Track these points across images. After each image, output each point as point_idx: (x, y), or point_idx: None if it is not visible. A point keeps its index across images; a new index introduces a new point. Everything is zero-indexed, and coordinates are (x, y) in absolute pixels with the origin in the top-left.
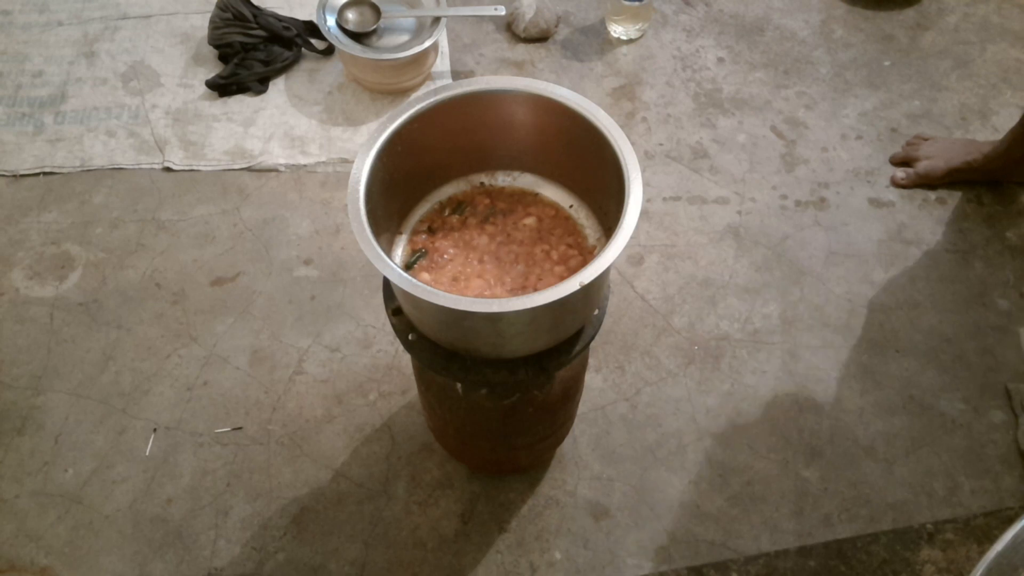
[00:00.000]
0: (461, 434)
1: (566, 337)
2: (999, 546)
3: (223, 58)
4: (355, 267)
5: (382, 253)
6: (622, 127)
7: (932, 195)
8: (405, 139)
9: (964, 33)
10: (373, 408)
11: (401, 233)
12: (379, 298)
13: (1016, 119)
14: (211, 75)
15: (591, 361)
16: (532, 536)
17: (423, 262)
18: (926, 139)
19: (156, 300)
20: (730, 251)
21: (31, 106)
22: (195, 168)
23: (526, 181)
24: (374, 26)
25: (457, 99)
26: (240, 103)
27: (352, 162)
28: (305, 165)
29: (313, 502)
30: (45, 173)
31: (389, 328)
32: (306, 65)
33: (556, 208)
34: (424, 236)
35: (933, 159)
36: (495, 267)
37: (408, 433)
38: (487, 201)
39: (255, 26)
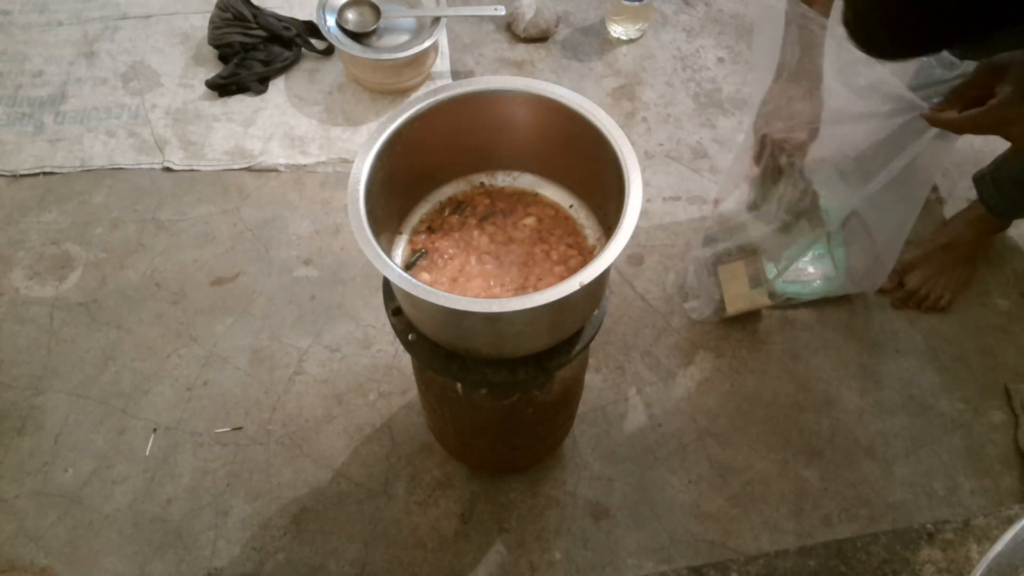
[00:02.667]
0: (461, 434)
1: (566, 337)
2: (999, 546)
3: (223, 58)
4: (355, 267)
5: (382, 253)
6: (622, 127)
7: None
8: (405, 139)
9: None
10: (373, 408)
11: (401, 233)
12: (379, 298)
13: None
14: (211, 75)
15: (591, 361)
16: (532, 536)
17: (423, 262)
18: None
19: (156, 300)
20: None
21: (31, 106)
22: (195, 168)
23: (526, 181)
24: (374, 26)
25: (457, 99)
26: (240, 103)
27: (352, 162)
28: (305, 165)
29: (313, 502)
30: (45, 173)
31: (389, 328)
32: (306, 65)
33: (556, 208)
34: (424, 236)
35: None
36: (495, 267)
37: (408, 433)
38: (487, 201)
39: (255, 26)
